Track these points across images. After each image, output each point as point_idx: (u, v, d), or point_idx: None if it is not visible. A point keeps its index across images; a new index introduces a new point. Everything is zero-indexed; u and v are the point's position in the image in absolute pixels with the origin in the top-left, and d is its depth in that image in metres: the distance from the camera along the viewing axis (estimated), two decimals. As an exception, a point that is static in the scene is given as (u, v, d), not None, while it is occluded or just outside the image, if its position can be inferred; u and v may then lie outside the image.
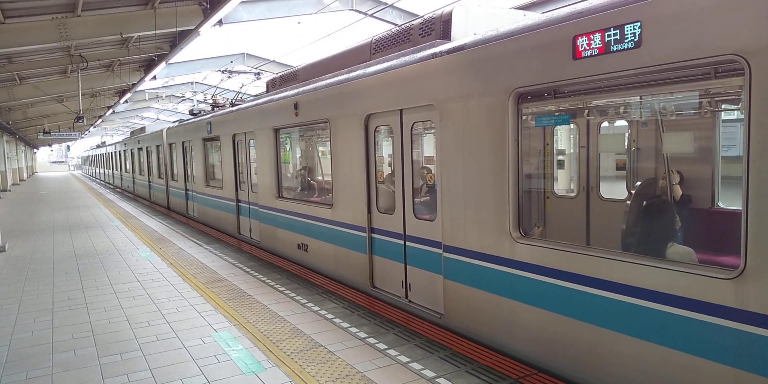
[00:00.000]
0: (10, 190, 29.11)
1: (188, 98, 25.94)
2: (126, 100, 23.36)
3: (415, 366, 4.33)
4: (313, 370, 4.29)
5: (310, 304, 6.10)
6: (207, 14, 10.01)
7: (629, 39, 3.36)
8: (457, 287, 5.03)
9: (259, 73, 14.55)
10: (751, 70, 2.83)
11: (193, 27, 10.81)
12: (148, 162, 20.61)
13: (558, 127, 6.12)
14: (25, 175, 45.60)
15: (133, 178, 24.90)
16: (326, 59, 8.02)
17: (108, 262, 8.85)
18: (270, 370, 4.32)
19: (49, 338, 5.24)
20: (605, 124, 6.23)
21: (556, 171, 6.90)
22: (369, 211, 6.37)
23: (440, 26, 5.63)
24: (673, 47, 3.15)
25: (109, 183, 36.61)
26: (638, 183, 5.59)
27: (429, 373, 4.18)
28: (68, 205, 19.38)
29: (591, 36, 3.60)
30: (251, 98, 12.36)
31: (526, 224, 4.54)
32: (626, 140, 5.98)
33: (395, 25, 13.14)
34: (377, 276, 6.38)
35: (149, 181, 20.75)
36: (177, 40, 12.82)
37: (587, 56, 3.63)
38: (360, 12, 12.92)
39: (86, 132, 41.69)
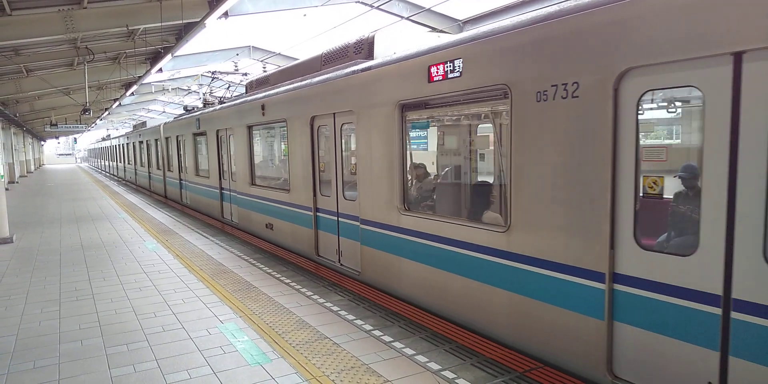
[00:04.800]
0: (17, 182, 29.27)
1: (194, 91, 25.93)
2: (132, 93, 23.40)
3: (421, 358, 4.33)
4: (318, 362, 4.30)
5: (315, 297, 6.11)
6: (213, 6, 10.01)
7: (457, 70, 4.85)
8: (367, 250, 6.56)
9: (246, 74, 15.57)
10: (512, 94, 4.28)
11: (198, 19, 10.80)
12: (148, 154, 22.09)
13: (442, 130, 7.37)
14: (32, 168, 45.85)
15: (135, 169, 26.44)
16: (290, 67, 9.46)
17: (114, 253, 8.90)
18: (275, 362, 4.33)
19: (56, 328, 5.27)
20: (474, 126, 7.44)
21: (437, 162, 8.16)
22: (315, 195, 7.85)
23: (366, 47, 6.92)
24: (477, 77, 4.66)
25: (113, 174, 37.74)
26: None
27: (434, 366, 4.18)
28: (75, 197, 19.48)
29: (437, 66, 5.08)
30: (238, 96, 13.30)
31: (410, 202, 6.10)
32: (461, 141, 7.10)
33: (401, 17, 13.07)
34: (321, 246, 7.85)
35: (149, 173, 22.29)
36: (183, 32, 12.81)
37: (436, 80, 5.11)
38: (365, 4, 12.84)
39: (93, 124, 41.84)
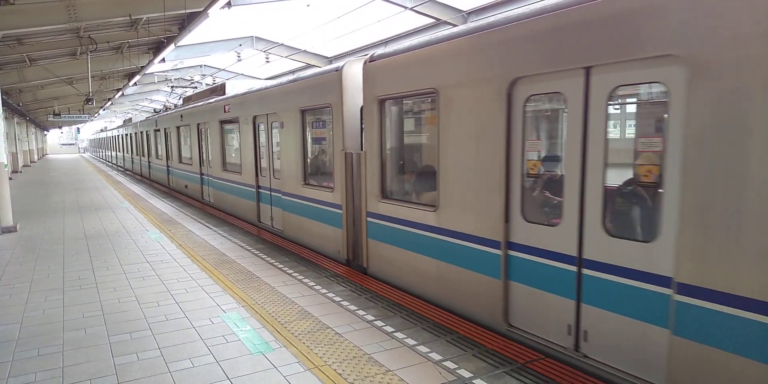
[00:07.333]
0: (21, 172, 29.31)
1: (197, 81, 25.88)
2: (135, 83, 23.34)
3: (422, 349, 4.35)
4: (320, 352, 4.32)
5: (317, 287, 6.13)
6: (216, -5, 9.91)
7: (229, 108, 11.40)
8: (215, 191, 13.21)
9: (196, 87, 22.09)
10: (239, 121, 10.84)
11: (201, 9, 10.73)
12: (130, 144, 29.58)
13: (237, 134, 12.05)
14: (35, 157, 45.87)
15: (123, 156, 34.46)
16: (199, 92, 16.30)
17: (118, 243, 8.93)
18: (278, 351, 4.35)
19: (60, 317, 5.31)
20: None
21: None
22: (201, 166, 14.40)
23: (223, 88, 12.94)
24: (232, 112, 11.26)
25: (108, 161, 44.64)
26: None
27: (436, 356, 4.20)
28: (78, 187, 19.52)
29: (226, 106, 11.67)
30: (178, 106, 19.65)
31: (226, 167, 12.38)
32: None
33: (404, 7, 12.98)
34: (203, 192, 14.38)
35: (132, 158, 29.85)
36: (186, 22, 12.74)
37: (226, 111, 11.56)
38: (370, -6, 12.71)
39: (96, 114, 41.78)
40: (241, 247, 8.44)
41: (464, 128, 4.84)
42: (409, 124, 6.60)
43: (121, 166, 35.18)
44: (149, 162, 23.27)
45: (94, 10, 11.08)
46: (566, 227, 3.94)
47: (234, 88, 12.45)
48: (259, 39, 19.65)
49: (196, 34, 14.18)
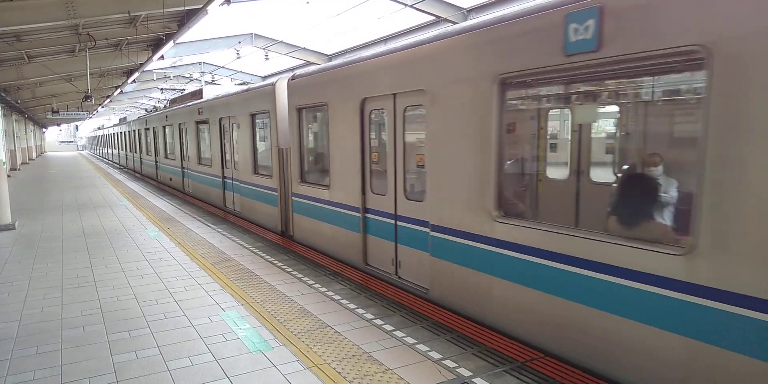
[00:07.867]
0: (19, 170, 29.25)
1: (196, 79, 25.82)
2: (134, 80, 23.30)
3: (422, 347, 4.34)
4: (319, 350, 4.31)
5: (317, 286, 6.12)
6: (215, -8, 9.86)
7: (203, 111, 13.72)
8: (190, 182, 16.08)
9: (183, 90, 23.74)
10: (209, 122, 13.26)
11: (200, 6, 10.68)
12: (125, 141, 32.34)
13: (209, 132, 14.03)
14: (34, 155, 45.76)
15: (118, 153, 37.41)
16: (183, 95, 18.63)
17: (116, 240, 8.91)
18: (277, 349, 4.34)
19: (59, 315, 5.29)
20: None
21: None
22: (182, 160, 16.50)
23: (200, 93, 15.35)
24: (205, 115, 13.51)
25: (105, 158, 46.34)
26: None
27: (435, 355, 4.19)
28: (77, 185, 19.48)
29: (199, 109, 14.00)
30: (166, 108, 21.71)
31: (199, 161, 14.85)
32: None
33: (404, 5, 12.95)
34: (185, 185, 16.46)
35: (126, 155, 32.70)
36: (185, 19, 12.70)
37: (200, 114, 13.93)
38: (369, -8, 12.66)
39: (94, 112, 41.69)
40: (241, 245, 8.42)
41: (340, 130, 7.08)
42: (315, 126, 8.68)
43: (116, 163, 37.28)
44: (140, 158, 25.79)
45: (93, 6, 11.02)
46: (389, 196, 6.17)
47: (210, 93, 14.90)
48: (258, 36, 19.61)
49: (195, 31, 14.35)
